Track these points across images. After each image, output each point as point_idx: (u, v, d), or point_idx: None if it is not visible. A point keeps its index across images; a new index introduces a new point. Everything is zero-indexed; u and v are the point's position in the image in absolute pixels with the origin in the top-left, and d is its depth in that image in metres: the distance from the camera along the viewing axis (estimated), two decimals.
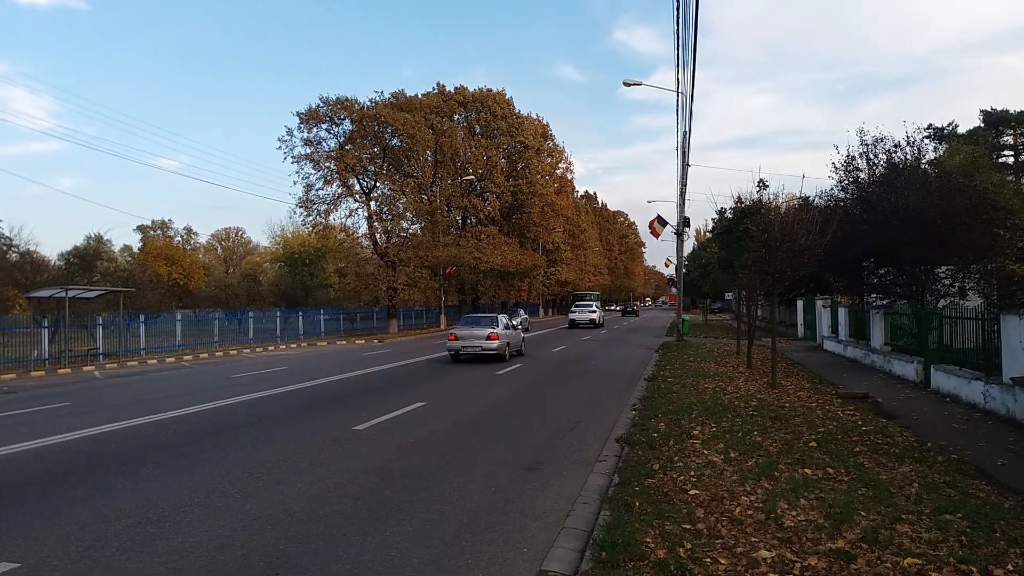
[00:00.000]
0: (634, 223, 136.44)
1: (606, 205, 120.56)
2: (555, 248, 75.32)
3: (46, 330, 26.63)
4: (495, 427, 11.54)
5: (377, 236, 49.25)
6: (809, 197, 24.01)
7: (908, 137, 20.83)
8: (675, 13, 16.43)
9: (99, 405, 15.05)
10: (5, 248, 48.58)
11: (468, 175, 55.48)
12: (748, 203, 22.10)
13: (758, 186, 20.67)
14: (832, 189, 23.17)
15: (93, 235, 61.51)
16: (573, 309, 55.56)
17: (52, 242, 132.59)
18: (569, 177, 74.17)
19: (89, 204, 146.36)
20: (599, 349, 29.32)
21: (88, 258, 51.47)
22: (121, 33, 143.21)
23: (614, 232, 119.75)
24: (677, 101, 27.71)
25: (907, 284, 19.25)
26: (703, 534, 5.68)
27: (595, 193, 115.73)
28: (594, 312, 53.39)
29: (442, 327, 51.96)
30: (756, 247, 17.16)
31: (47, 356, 25.80)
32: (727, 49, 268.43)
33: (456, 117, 58.35)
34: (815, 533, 5.61)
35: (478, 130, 59.54)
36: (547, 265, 72.42)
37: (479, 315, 28.10)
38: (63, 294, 26.34)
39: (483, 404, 14.09)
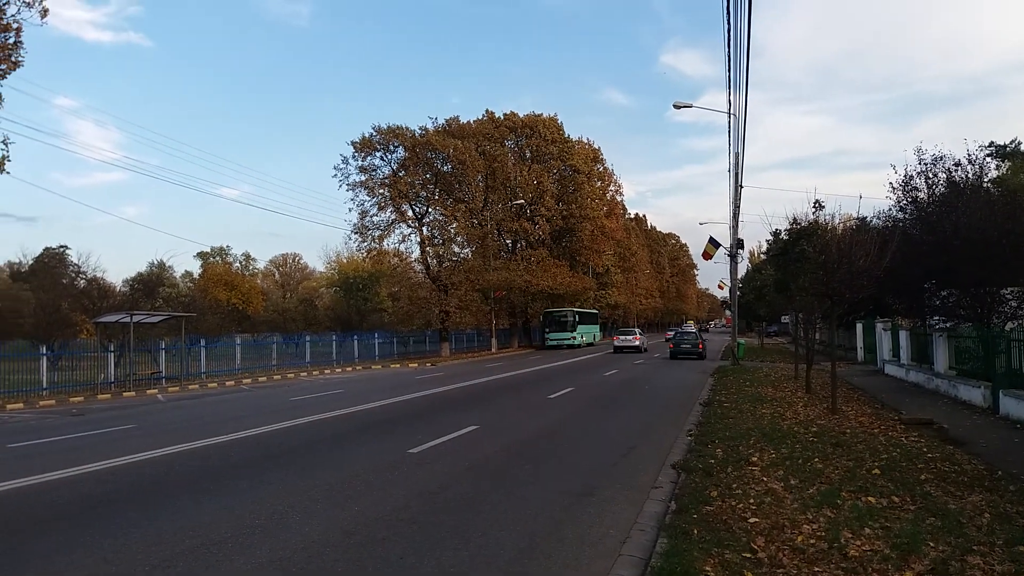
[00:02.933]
0: (685, 245, 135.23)
1: (656, 227, 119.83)
2: (605, 271, 75.05)
3: (112, 354, 27.51)
4: (548, 452, 11.51)
5: (429, 260, 49.83)
6: (866, 218, 23.53)
7: (969, 155, 20.27)
8: (726, 36, 16.44)
9: (163, 428, 15.48)
10: (74, 275, 50.52)
11: (519, 199, 55.82)
12: (804, 224, 21.73)
13: (814, 207, 20.37)
14: (890, 209, 22.67)
15: (156, 262, 63.55)
16: (557, 334, 56.66)
17: (117, 269, 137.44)
18: (619, 200, 74.00)
19: (152, 232, 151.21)
20: (652, 373, 29.01)
21: (151, 284, 53.10)
22: (182, 67, 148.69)
23: (665, 254, 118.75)
24: (729, 123, 27.53)
25: (971, 306, 18.65)
26: (764, 563, 5.58)
27: (645, 216, 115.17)
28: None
29: (493, 350, 52.08)
30: (813, 269, 16.86)
31: (113, 379, 26.64)
32: (776, 71, 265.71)
33: (507, 142, 58.87)
34: (881, 564, 5.46)
35: (529, 155, 59.92)
36: (597, 288, 72.11)
37: (625, 328, 66.91)
38: (128, 319, 27.22)
39: (536, 428, 14.06)
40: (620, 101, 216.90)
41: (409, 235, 49.99)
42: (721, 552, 5.81)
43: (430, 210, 50.19)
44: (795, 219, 22.55)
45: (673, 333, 50.50)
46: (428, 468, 10.09)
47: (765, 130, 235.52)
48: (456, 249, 54.18)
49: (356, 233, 47.71)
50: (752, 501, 7.36)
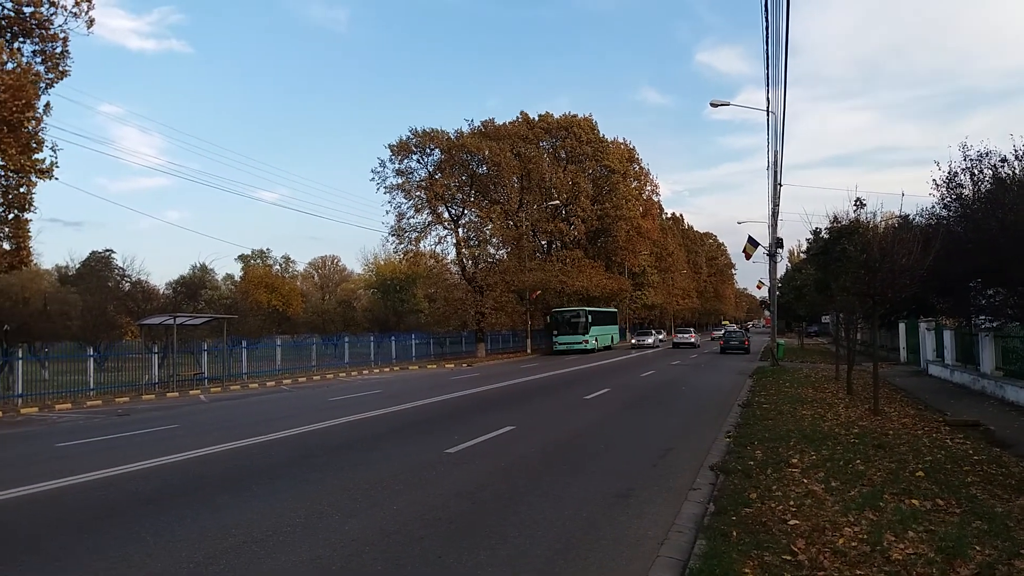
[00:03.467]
0: (723, 244, 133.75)
1: (693, 227, 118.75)
2: (641, 271, 74.58)
3: (156, 356, 28.13)
4: (585, 452, 11.51)
5: (465, 262, 50.12)
6: (909, 215, 23.05)
7: (1016, 151, 19.76)
8: (764, 32, 16.24)
9: (206, 427, 15.80)
10: (119, 278, 51.73)
11: (554, 200, 55.77)
12: (845, 222, 21.34)
13: (855, 205, 19.91)
14: (933, 207, 22.14)
15: (198, 265, 64.84)
16: (567, 337, 50.76)
17: (160, 272, 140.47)
18: (655, 199, 73.56)
19: (194, 235, 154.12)
20: (689, 374, 28.79)
21: (193, 287, 54.16)
22: (223, 73, 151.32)
23: (702, 254, 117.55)
24: (767, 120, 27.24)
25: (1019, 305, 18.16)
26: (804, 566, 5.53)
27: (682, 215, 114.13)
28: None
29: (528, 351, 52.13)
30: (854, 268, 16.58)
31: (157, 380, 27.23)
32: (816, 66, 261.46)
33: (542, 143, 58.86)
34: (925, 568, 5.37)
35: (564, 155, 59.84)
36: (633, 289, 71.73)
37: (684, 327, 66.64)
38: (171, 321, 27.80)
39: (572, 429, 14.06)
40: (656, 100, 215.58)
41: (445, 237, 50.35)
42: (761, 554, 5.77)
43: (466, 212, 50.48)
44: (836, 217, 22.08)
45: (724, 332, 59.75)
46: (465, 468, 10.16)
47: (804, 127, 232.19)
48: (491, 250, 54.43)
49: (393, 235, 48.23)
50: (792, 503, 7.29)
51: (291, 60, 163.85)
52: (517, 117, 58.70)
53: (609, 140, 62.75)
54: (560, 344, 50.44)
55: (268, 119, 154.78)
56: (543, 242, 59.63)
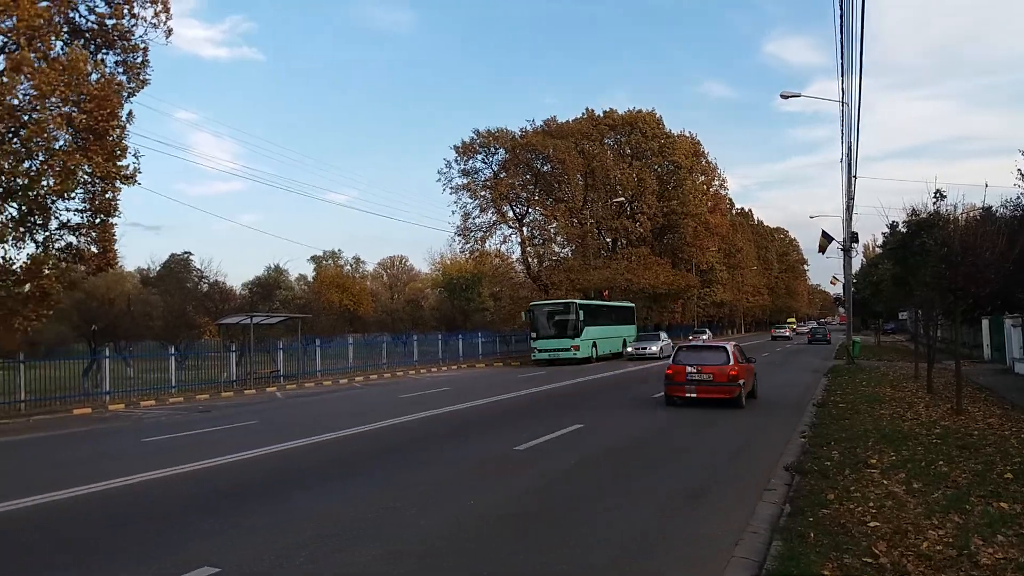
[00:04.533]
0: (795, 240, 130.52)
1: (763, 222, 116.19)
2: (709, 268, 73.32)
3: (234, 354, 29.06)
4: (655, 451, 11.43)
5: (530, 260, 50.30)
6: (992, 207, 22.10)
7: None
8: (837, 21, 15.82)
9: (282, 423, 16.28)
10: (197, 279, 53.61)
11: (619, 197, 55.40)
12: (924, 215, 20.58)
13: (934, 197, 19.18)
14: (1018, 198, 21.20)
15: (272, 266, 66.68)
16: (548, 342, 37.46)
17: (237, 273, 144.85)
18: (724, 194, 72.37)
19: (268, 237, 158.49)
20: (760, 372, 28.16)
21: (268, 287, 55.71)
22: (293, 78, 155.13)
23: (773, 250, 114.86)
24: (841, 111, 26.44)
25: None
26: (887, 569, 5.38)
27: (751, 210, 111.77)
28: (788, 331, 61.66)
29: None
30: (934, 263, 15.99)
31: (235, 378, 28.12)
32: (888, 55, 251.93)
33: (606, 140, 58.54)
34: (1017, 573, 5.17)
35: (628, 152, 59.38)
36: (701, 286, 70.58)
37: (779, 324, 65.33)
38: (248, 321, 28.68)
39: (641, 427, 13.97)
40: (721, 93, 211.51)
41: (510, 236, 50.68)
42: (840, 556, 5.64)
43: (530, 210, 50.67)
44: (914, 210, 21.29)
45: (811, 327, 68.76)
46: (535, 465, 10.21)
47: (877, 118, 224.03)
48: (556, 249, 54.43)
49: (459, 235, 48.85)
50: (872, 505, 7.09)
51: (357, 64, 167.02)
52: (582, 114, 58.54)
53: (675, 134, 61.97)
54: (540, 351, 37.43)
55: (337, 122, 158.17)
56: (608, 240, 59.31)
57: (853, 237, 33.22)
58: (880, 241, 41.20)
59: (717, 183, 70.70)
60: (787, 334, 72.86)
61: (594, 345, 38.68)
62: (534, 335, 38.13)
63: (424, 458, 11.03)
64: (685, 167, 60.79)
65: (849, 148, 28.80)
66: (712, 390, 16.24)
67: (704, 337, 54.93)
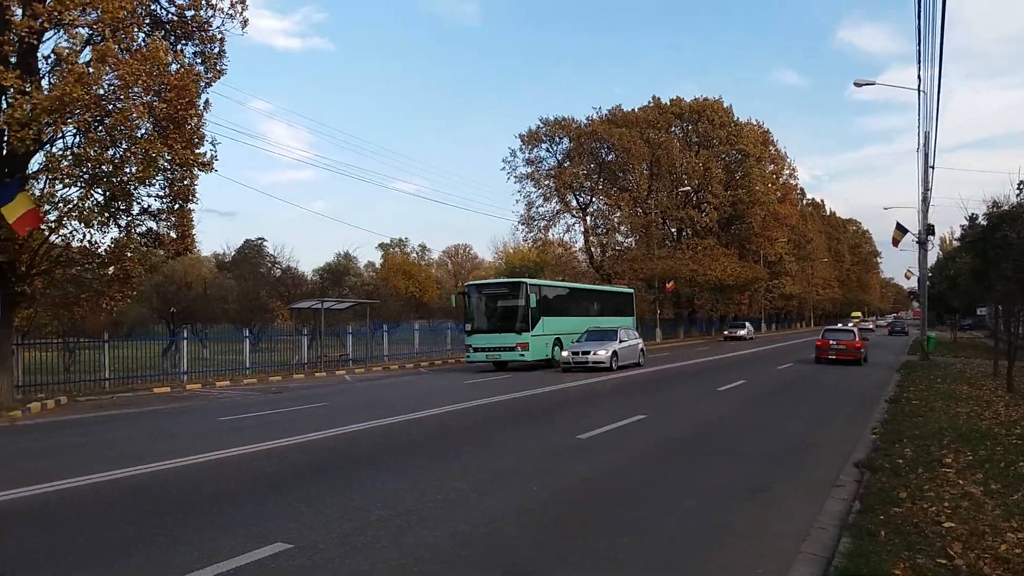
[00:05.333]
0: (867, 231, 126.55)
1: (835, 213, 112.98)
2: (778, 260, 71.68)
3: (305, 338, 29.88)
4: (719, 444, 11.31)
5: (593, 250, 50.14)
6: None
7: None
8: (916, 7, 15.25)
9: (351, 406, 16.69)
10: (270, 265, 55.15)
11: (684, 186, 54.61)
12: (1006, 208, 19.74)
13: (1018, 188, 18.38)
14: None
15: (342, 253, 68.06)
16: (487, 337, 27.60)
17: (308, 259, 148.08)
18: (793, 184, 70.57)
19: (338, 224, 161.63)
20: (831, 368, 27.53)
21: (338, 273, 56.93)
22: (361, 67, 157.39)
23: (844, 242, 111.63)
24: (918, 100, 25.51)
25: None
26: (962, 571, 5.23)
27: (823, 200, 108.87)
28: (857, 325, 45.25)
29: (658, 340, 51.42)
30: (1016, 256, 15.37)
31: (306, 361, 28.92)
32: (967, 42, 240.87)
33: (673, 129, 57.74)
34: None
35: (695, 140, 58.45)
36: (769, 278, 69.07)
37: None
38: (319, 306, 29.45)
39: (705, 420, 13.82)
40: (793, 81, 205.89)
41: (573, 225, 50.63)
42: (912, 556, 5.51)
43: (594, 200, 50.49)
44: (995, 202, 20.47)
45: (890, 320, 63.74)
46: (596, 454, 10.23)
47: (954, 106, 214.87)
48: (620, 238, 54.13)
49: (522, 224, 49.01)
50: (946, 504, 6.89)
51: (424, 53, 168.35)
52: (648, 102, 57.89)
53: (743, 123, 60.73)
54: (476, 349, 27.77)
55: (405, 111, 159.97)
56: (673, 230, 58.62)
57: (929, 229, 31.96)
58: (958, 234, 39.62)
59: (787, 172, 69.05)
60: (861, 329, 65.47)
61: (557, 343, 28.56)
62: (468, 327, 28.28)
63: (487, 443, 11.18)
64: (753, 156, 59.53)
65: (926, 137, 27.80)
66: (845, 354, 27.96)
67: (742, 332, 53.99)
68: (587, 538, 6.35)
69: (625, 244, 53.90)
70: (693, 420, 13.81)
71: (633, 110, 55.05)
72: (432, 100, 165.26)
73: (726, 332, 56.93)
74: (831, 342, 28.15)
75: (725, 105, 59.08)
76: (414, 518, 6.97)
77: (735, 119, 59.75)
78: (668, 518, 7.02)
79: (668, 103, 58.13)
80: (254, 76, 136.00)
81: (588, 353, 25.47)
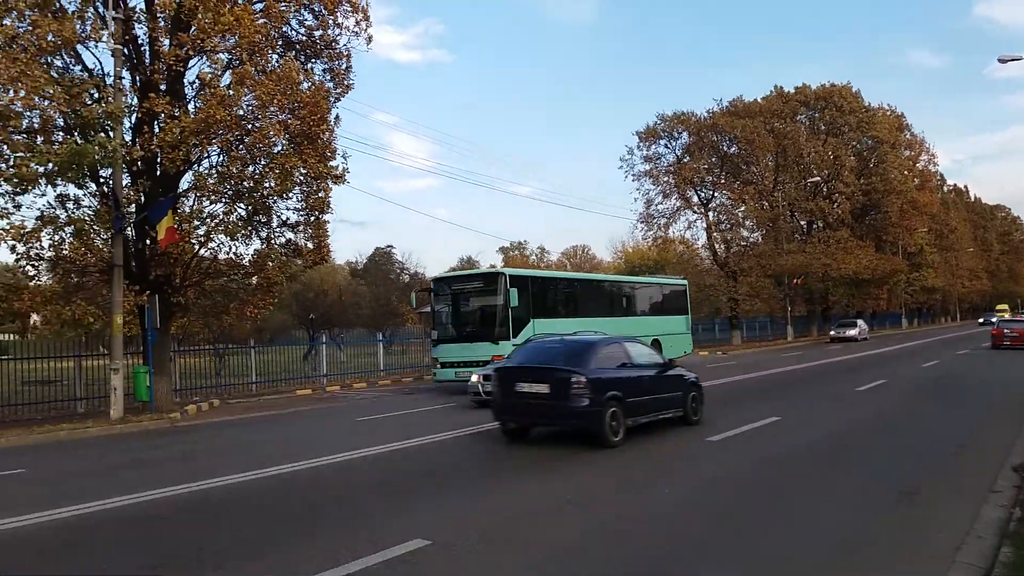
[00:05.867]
0: (1018, 218, 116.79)
1: (980, 199, 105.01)
2: (918, 251, 67.24)
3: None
4: (861, 447, 10.80)
5: (716, 246, 48.81)
6: None
7: None
8: None
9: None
10: (399, 271, 57.21)
11: (813, 177, 52.29)
12: None
13: None
14: None
15: (465, 257, 69.71)
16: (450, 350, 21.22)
17: (434, 264, 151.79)
18: (932, 170, 66.23)
19: (461, 230, 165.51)
20: (981, 365, 25.63)
21: None
22: (480, 76, 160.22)
23: (992, 230, 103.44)
24: None
25: None
26: None
27: (966, 187, 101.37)
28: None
29: (789, 339, 49.54)
30: None
31: None
32: None
33: (798, 118, 55.43)
34: None
35: (822, 128, 55.85)
36: (909, 270, 64.96)
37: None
38: None
39: (844, 421, 13.22)
40: (926, 61, 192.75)
41: (695, 221, 49.49)
42: None
43: (716, 194, 49.15)
44: None
45: None
46: (728, 457, 10.03)
47: None
48: (745, 233, 52.44)
49: (642, 222, 48.36)
50: None
51: (540, 57, 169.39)
52: (770, 92, 55.81)
53: (874, 108, 57.49)
54: (443, 364, 21.36)
55: (522, 115, 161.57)
56: (802, 223, 56.26)
57: None
58: None
59: (925, 158, 64.87)
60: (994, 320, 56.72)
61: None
62: (434, 335, 22.05)
63: (621, 445, 11.12)
64: (887, 142, 56.27)
65: None
66: (1018, 341, 32.19)
67: (851, 332, 45.82)
68: (723, 544, 6.26)
69: (751, 239, 52.15)
70: (831, 424, 13.26)
71: (755, 100, 53.25)
72: (548, 102, 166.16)
73: (832, 333, 47.91)
74: (1005, 331, 33.83)
75: (853, 90, 56.13)
76: (547, 516, 7.09)
77: (865, 104, 56.62)
78: (812, 524, 6.82)
79: (792, 91, 55.82)
80: (379, 90, 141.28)
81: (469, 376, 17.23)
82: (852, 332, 45.79)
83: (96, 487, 8.94)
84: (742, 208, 49.10)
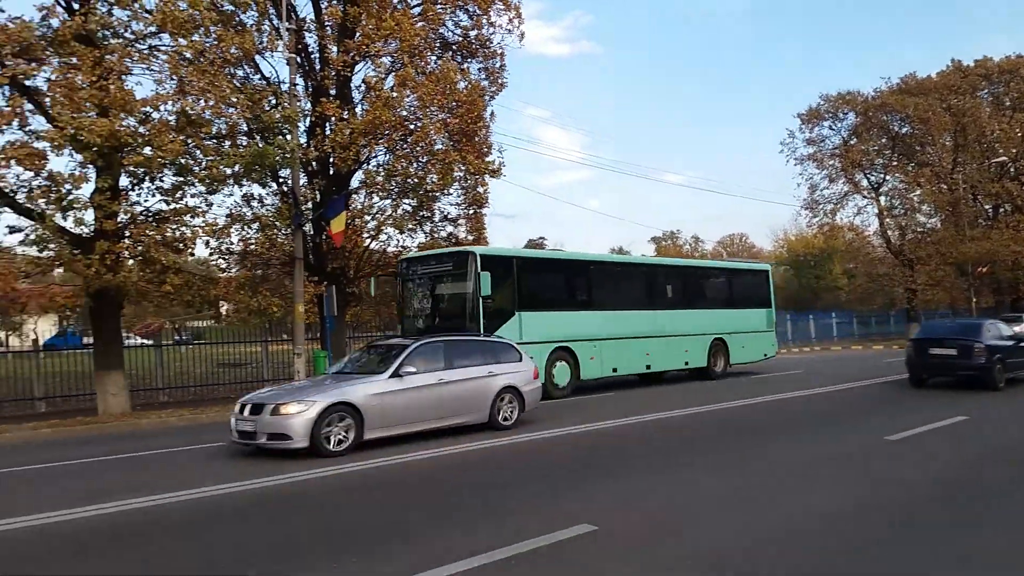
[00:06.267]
0: None
1: None
2: None
3: None
4: None
5: (889, 233, 45.65)
6: None
7: None
8: None
9: (636, 399, 16.92)
10: None
11: (998, 157, 47.63)
12: None
13: None
14: None
15: (616, 248, 69.39)
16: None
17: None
18: None
19: (612, 221, 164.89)
20: None
21: None
22: (629, 65, 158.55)
23: None
24: None
25: None
26: None
27: None
28: None
29: None
30: None
31: None
32: None
33: (980, 94, 50.66)
34: None
35: (1008, 104, 50.73)
36: None
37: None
38: None
39: None
40: None
41: (864, 207, 46.53)
42: None
43: (887, 178, 46.03)
44: None
45: None
46: (910, 457, 9.18)
47: None
48: (921, 219, 48.62)
49: (805, 208, 46.18)
50: None
51: (692, 43, 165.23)
52: (946, 66, 51.35)
53: None
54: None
55: (674, 103, 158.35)
56: (987, 207, 51.45)
57: None
58: None
59: None
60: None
61: (560, 357, 17.33)
62: (400, 327, 18.53)
63: (785, 440, 10.67)
64: None
65: None
66: None
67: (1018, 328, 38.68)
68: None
69: (928, 225, 48.32)
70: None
71: (929, 76, 49.17)
72: (701, 89, 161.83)
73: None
74: None
75: None
76: (718, 508, 6.82)
77: None
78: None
79: (972, 64, 51.14)
80: (529, 84, 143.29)
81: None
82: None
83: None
84: (917, 192, 45.63)
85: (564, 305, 18.25)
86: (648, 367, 19.51)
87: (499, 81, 23.03)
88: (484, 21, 22.19)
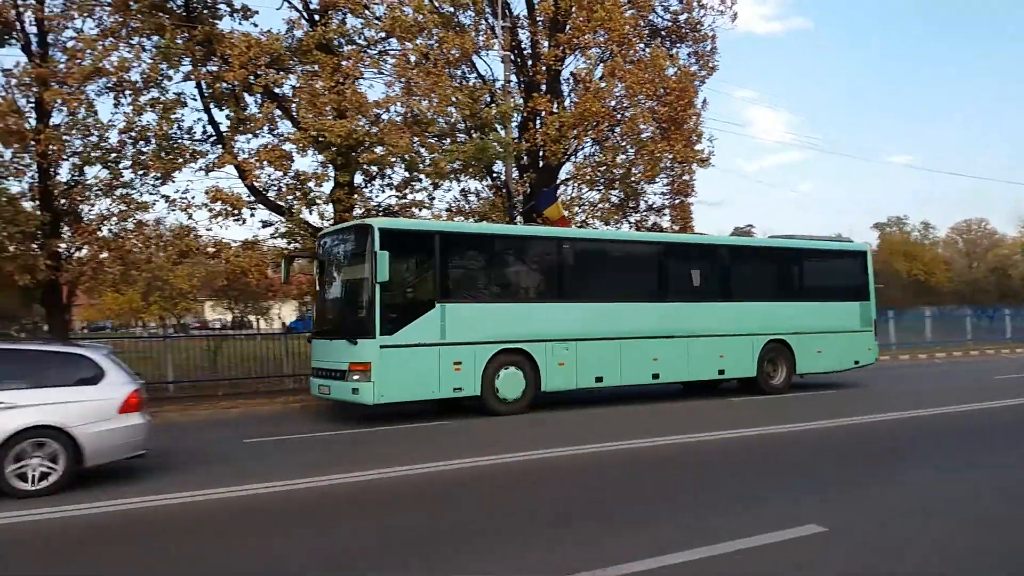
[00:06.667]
0: None
1: None
2: None
3: None
4: None
5: None
6: None
7: None
8: None
9: (879, 394, 16.27)
10: None
11: None
12: None
13: None
14: None
15: (834, 235, 64.84)
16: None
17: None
18: None
19: (828, 205, 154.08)
20: None
21: None
22: (843, 42, 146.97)
23: None
24: None
25: None
26: None
27: None
28: None
29: None
30: None
31: None
32: None
33: None
34: None
35: None
36: None
37: None
38: None
39: None
40: None
41: None
42: None
43: None
44: None
45: None
46: None
47: None
48: None
49: None
50: None
51: (913, 13, 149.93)
52: None
53: None
54: (317, 370, 13.54)
55: (895, 80, 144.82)
56: None
57: None
58: None
59: None
60: None
61: (500, 364, 13.21)
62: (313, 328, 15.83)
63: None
64: None
65: None
66: None
67: None
68: None
69: None
70: None
71: None
72: (927, 61, 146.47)
73: None
74: None
75: None
76: (944, 515, 6.46)
77: None
78: None
79: None
80: (739, 65, 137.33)
81: None
82: None
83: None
84: None
85: (516, 295, 14.41)
86: (656, 376, 14.62)
87: (710, 65, 22.42)
88: (695, 3, 21.68)
